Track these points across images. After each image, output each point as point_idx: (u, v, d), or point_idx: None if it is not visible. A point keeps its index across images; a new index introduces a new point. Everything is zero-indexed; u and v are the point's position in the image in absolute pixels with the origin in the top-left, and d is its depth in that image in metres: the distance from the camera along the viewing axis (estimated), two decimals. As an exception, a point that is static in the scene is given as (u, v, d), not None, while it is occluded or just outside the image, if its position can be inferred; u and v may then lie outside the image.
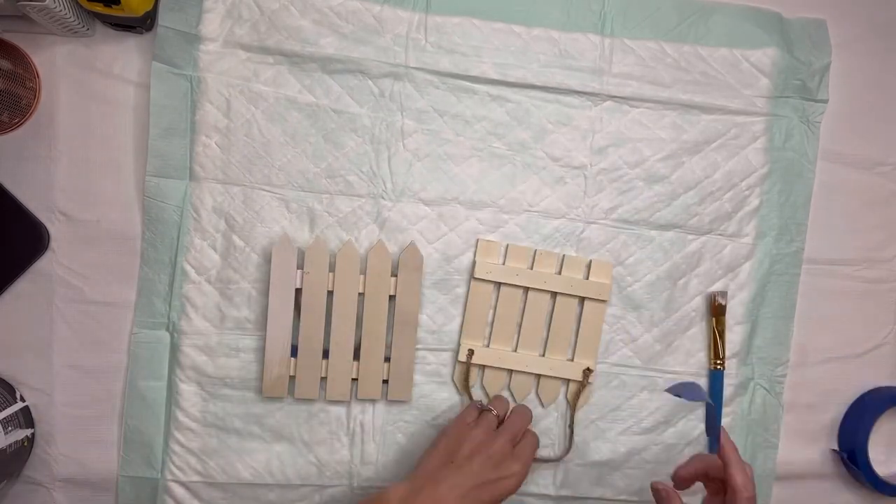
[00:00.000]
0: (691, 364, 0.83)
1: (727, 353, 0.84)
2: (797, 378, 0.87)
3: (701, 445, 0.84)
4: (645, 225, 0.82)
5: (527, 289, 0.80)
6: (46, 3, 0.66)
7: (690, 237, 0.83)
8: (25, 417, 0.75)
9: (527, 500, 0.82)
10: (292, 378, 0.77)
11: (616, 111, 0.81)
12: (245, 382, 0.77)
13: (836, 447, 0.88)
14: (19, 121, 0.75)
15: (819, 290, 0.87)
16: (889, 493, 0.86)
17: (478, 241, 0.80)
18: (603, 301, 0.81)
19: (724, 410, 0.84)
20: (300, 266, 0.76)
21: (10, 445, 0.71)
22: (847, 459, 0.87)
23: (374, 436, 0.79)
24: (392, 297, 0.78)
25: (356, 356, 0.78)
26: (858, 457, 0.85)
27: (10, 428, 0.72)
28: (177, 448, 0.77)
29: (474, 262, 0.79)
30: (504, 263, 0.80)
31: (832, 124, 0.86)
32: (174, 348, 0.77)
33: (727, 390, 0.84)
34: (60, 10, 0.68)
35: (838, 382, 0.88)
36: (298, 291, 0.77)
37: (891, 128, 0.88)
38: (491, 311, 0.81)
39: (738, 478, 0.67)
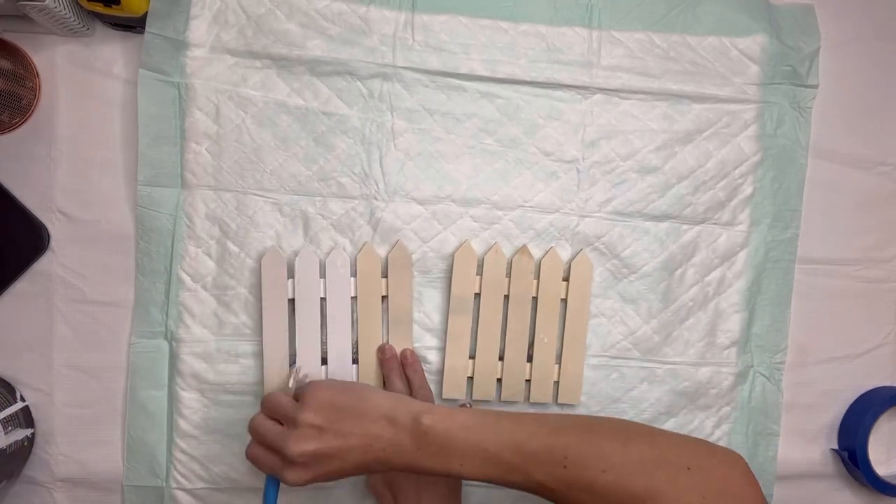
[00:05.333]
0: (690, 355, 0.83)
1: (727, 342, 0.83)
2: (797, 378, 0.87)
3: (701, 436, 0.83)
4: (639, 216, 0.82)
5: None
6: (46, 3, 0.66)
7: (685, 227, 0.83)
8: (25, 417, 0.76)
9: (530, 494, 0.81)
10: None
11: (606, 104, 0.81)
12: (246, 387, 0.78)
13: (836, 447, 0.88)
14: (19, 121, 0.76)
15: (819, 290, 0.87)
16: (889, 493, 0.85)
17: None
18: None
19: (724, 400, 0.84)
20: (291, 276, 0.77)
21: (10, 445, 0.72)
22: (847, 459, 0.86)
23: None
24: (385, 298, 0.78)
25: (355, 360, 0.79)
26: (858, 457, 0.85)
27: (10, 428, 0.72)
28: (180, 456, 0.77)
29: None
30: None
31: (832, 123, 0.86)
32: (173, 357, 0.77)
33: (728, 379, 0.84)
34: (60, 10, 0.69)
35: (838, 382, 0.88)
36: (292, 301, 0.77)
37: (891, 127, 0.88)
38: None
39: None
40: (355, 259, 0.78)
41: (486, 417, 0.62)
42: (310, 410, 0.62)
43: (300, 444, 0.61)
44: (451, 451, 0.61)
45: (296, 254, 0.77)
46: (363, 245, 0.78)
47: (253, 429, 0.65)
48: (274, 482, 0.66)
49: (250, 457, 0.65)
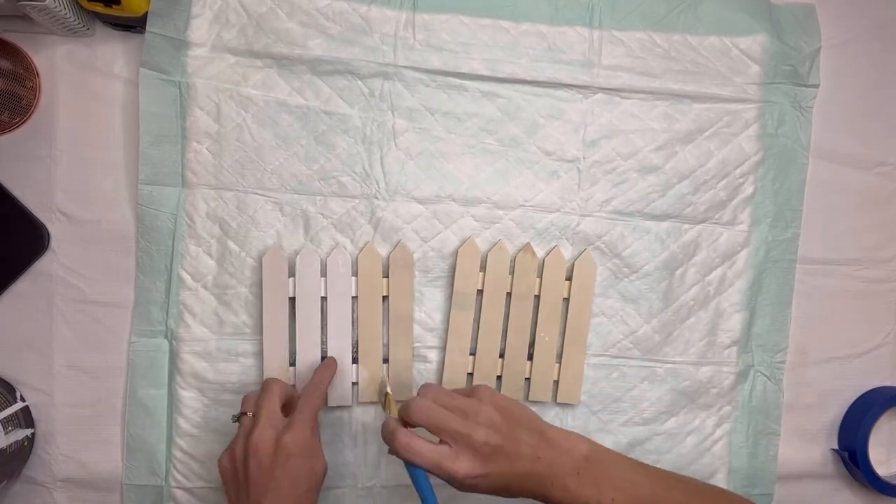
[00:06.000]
0: (690, 354, 0.83)
1: (728, 342, 0.83)
2: (797, 378, 0.87)
3: (702, 436, 0.83)
4: (640, 216, 0.82)
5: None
6: (46, 3, 0.66)
7: (686, 226, 0.83)
8: (25, 417, 0.76)
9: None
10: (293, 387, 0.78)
11: (607, 103, 0.81)
12: (246, 387, 0.78)
13: (836, 447, 0.88)
14: (19, 121, 0.76)
15: (819, 290, 0.87)
16: (889, 493, 0.86)
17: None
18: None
19: (725, 399, 0.84)
20: (292, 274, 0.77)
21: (10, 445, 0.72)
22: (847, 459, 0.86)
23: (377, 436, 0.79)
24: (386, 298, 0.78)
25: (355, 360, 0.79)
26: (858, 457, 0.85)
27: (10, 428, 0.72)
28: (180, 455, 0.77)
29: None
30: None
31: (833, 123, 0.86)
32: (173, 356, 0.77)
33: (729, 378, 0.84)
34: (60, 10, 0.69)
35: (838, 382, 0.88)
36: (293, 300, 0.77)
37: (891, 127, 0.88)
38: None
39: None
40: (356, 258, 0.78)
41: (633, 460, 0.66)
42: (492, 408, 0.62)
43: (488, 435, 0.60)
44: (607, 483, 0.62)
45: (297, 253, 0.77)
46: (365, 244, 0.78)
47: (426, 410, 0.62)
48: (423, 474, 0.62)
49: (403, 444, 0.61)
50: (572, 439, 0.64)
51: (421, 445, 0.61)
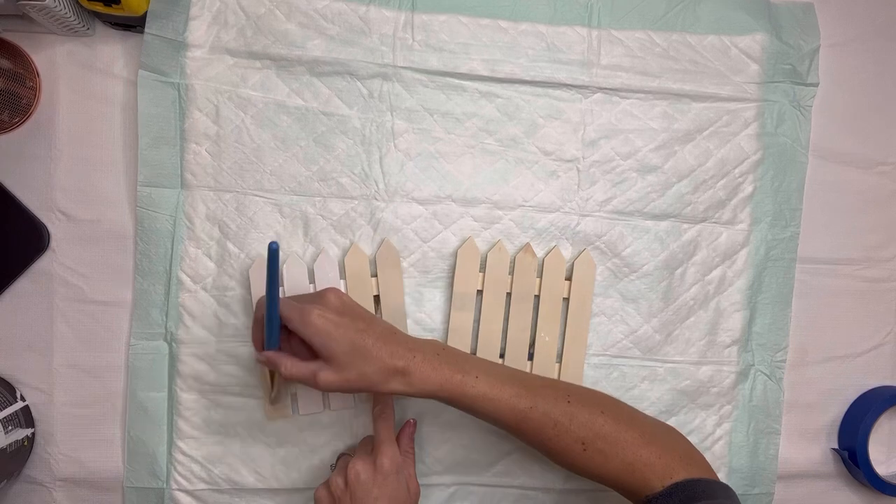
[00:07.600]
0: (691, 353, 0.83)
1: (728, 341, 0.83)
2: (797, 378, 0.87)
3: (702, 435, 0.83)
4: (640, 216, 0.82)
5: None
6: (46, 2, 0.66)
7: (686, 226, 0.83)
8: (25, 417, 0.76)
9: (531, 493, 0.82)
10: (293, 394, 0.78)
11: (606, 103, 0.81)
12: (246, 389, 0.78)
13: (836, 446, 0.88)
14: (19, 121, 0.76)
15: (819, 289, 0.87)
16: (889, 493, 0.85)
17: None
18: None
19: (725, 399, 0.84)
20: (282, 283, 0.76)
21: (10, 445, 0.72)
22: (847, 459, 0.86)
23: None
24: (377, 297, 0.78)
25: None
26: (859, 456, 0.85)
27: (10, 428, 0.72)
28: (180, 457, 0.77)
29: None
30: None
31: (833, 123, 0.86)
32: (173, 358, 0.77)
33: (729, 378, 0.84)
34: (60, 10, 0.69)
35: (838, 382, 0.88)
36: None
37: (891, 127, 0.88)
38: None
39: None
40: (342, 261, 0.77)
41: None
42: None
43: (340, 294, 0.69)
44: (469, 364, 0.68)
45: (299, 254, 0.77)
46: (350, 245, 0.78)
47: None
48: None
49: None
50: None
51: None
